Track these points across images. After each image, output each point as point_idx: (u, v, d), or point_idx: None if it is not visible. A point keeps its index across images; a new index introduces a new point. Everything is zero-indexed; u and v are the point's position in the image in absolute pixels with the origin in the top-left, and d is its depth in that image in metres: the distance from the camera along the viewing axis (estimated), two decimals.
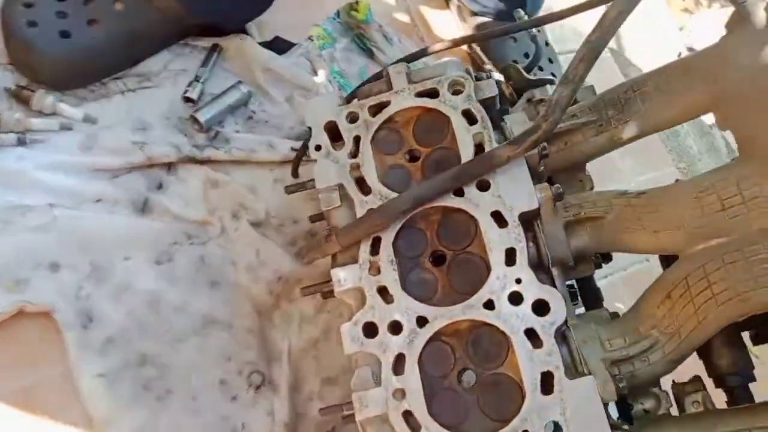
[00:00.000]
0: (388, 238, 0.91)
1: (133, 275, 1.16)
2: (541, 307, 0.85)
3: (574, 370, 0.81)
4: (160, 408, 1.07)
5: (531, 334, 0.83)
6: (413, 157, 0.99)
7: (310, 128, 1.01)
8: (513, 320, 0.84)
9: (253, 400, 1.12)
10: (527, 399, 0.81)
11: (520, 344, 0.83)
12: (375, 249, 0.91)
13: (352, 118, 1.00)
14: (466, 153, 0.94)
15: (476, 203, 0.91)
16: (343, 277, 0.90)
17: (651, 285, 0.91)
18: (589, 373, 0.82)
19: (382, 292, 0.88)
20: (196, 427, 1.06)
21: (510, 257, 0.87)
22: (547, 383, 0.78)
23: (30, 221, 1.12)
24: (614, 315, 0.97)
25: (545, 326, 0.81)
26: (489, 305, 0.85)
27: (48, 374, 1.04)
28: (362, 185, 0.95)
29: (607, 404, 0.82)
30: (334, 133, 1.01)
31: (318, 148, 1.00)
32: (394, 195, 0.93)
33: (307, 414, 1.12)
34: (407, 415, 0.81)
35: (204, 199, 1.27)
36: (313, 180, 1.01)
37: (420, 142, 1.00)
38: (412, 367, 0.83)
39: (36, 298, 1.06)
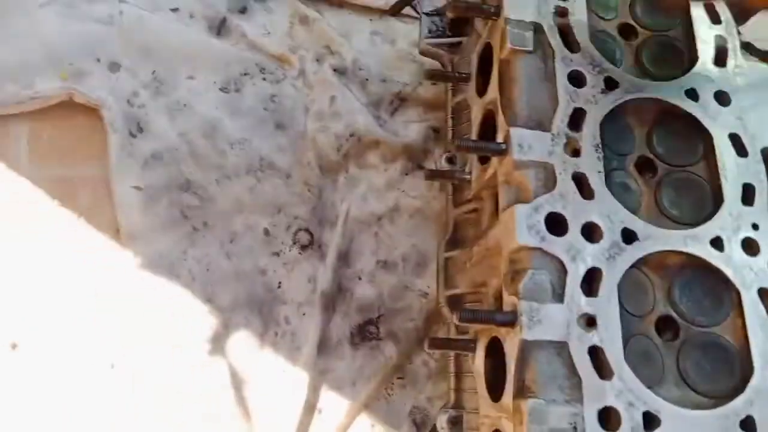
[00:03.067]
0: (596, 114, 0.76)
1: (195, 96, 1.12)
2: None
3: None
4: (193, 239, 1.02)
5: (765, 297, 0.71)
6: (627, 32, 0.86)
7: None
8: (745, 272, 0.71)
9: (295, 260, 1.05)
10: (755, 376, 0.68)
11: (752, 305, 0.70)
12: (576, 122, 0.76)
13: None
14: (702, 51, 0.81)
15: (713, 116, 0.78)
16: (528, 143, 0.73)
17: None
18: None
19: (580, 181, 0.73)
20: (227, 271, 1.01)
21: (748, 195, 0.75)
22: None
23: (96, 11, 1.11)
24: None
25: None
26: (717, 244, 0.72)
27: (86, 173, 1.03)
28: (568, 37, 0.80)
29: None
30: None
31: None
32: (604, 61, 0.79)
33: (352, 292, 1.04)
34: (595, 353, 0.66)
35: (288, 34, 1.20)
36: None
37: (640, 21, 0.86)
38: (610, 291, 0.68)
39: (87, 91, 1.05)
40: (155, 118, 1.09)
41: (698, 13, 0.83)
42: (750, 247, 0.72)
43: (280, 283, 1.04)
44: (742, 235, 0.72)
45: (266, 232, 1.06)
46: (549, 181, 0.73)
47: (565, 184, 0.72)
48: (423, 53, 1.13)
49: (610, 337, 0.67)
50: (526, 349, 0.67)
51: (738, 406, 0.66)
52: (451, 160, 1.04)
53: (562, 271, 0.69)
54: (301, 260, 1.05)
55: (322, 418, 0.97)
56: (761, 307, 0.69)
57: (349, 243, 1.07)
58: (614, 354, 0.66)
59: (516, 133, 0.74)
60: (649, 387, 0.67)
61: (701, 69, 0.80)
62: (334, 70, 1.17)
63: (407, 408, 1.00)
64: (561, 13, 0.80)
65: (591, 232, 0.71)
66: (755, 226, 0.73)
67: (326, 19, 1.22)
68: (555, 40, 0.78)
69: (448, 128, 1.08)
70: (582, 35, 0.78)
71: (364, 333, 1.02)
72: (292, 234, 1.06)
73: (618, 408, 0.65)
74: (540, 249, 0.70)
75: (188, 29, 1.16)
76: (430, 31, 1.08)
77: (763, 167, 0.75)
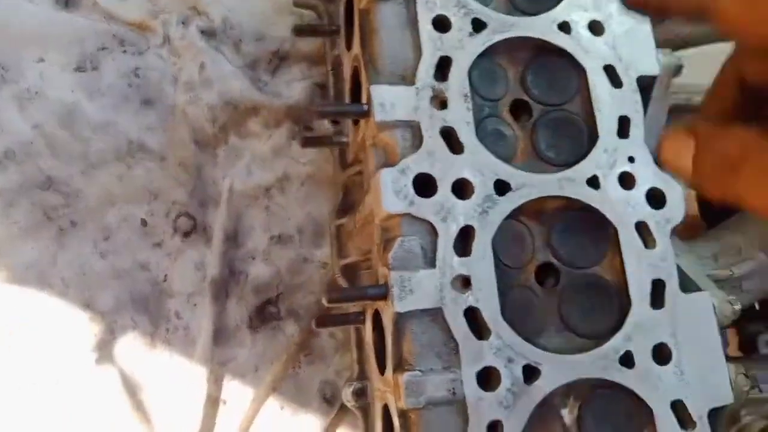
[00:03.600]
0: (464, 61, 0.71)
1: (47, 81, 1.02)
2: (656, 198, 0.70)
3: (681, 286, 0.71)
4: (61, 242, 0.95)
5: (642, 230, 0.70)
6: None
7: None
8: (622, 208, 0.69)
9: (178, 249, 0.99)
10: (633, 312, 0.67)
11: (629, 241, 0.69)
12: (441, 71, 0.70)
13: None
14: None
15: (586, 48, 0.73)
16: (390, 101, 0.68)
17: None
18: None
19: (448, 135, 0.68)
20: (104, 271, 0.95)
21: (623, 127, 0.72)
22: (658, 294, 0.69)
23: None
24: None
25: (660, 222, 0.70)
26: (593, 183, 0.70)
27: None
28: None
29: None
30: None
31: None
32: (471, 1, 0.74)
33: (246, 274, 0.99)
34: (471, 314, 0.64)
35: None
36: None
37: None
38: (484, 248, 0.65)
39: None
40: (2, 111, 0.99)
41: None
42: (626, 181, 0.71)
43: (165, 275, 0.98)
44: (618, 170, 0.70)
45: (143, 222, 0.99)
46: (417, 140, 0.69)
47: (433, 140, 0.68)
48: (296, 4, 1.06)
49: (485, 295, 0.65)
50: (400, 321, 0.65)
51: (617, 343, 0.66)
52: (336, 122, 0.99)
53: (434, 234, 0.66)
54: (184, 248, 0.99)
55: (227, 409, 0.94)
56: (638, 241, 0.69)
57: (237, 221, 1.01)
58: (491, 312, 0.65)
59: (376, 91, 0.69)
60: (530, 339, 0.66)
61: None
62: (202, 32, 1.08)
63: (316, 384, 0.97)
64: None
65: (462, 189, 0.68)
66: (631, 159, 0.71)
67: None
68: None
69: (329, 86, 1.02)
70: None
71: (264, 315, 0.99)
72: (172, 221, 1.00)
73: (497, 366, 0.64)
74: (409, 214, 0.65)
75: (31, 5, 1.05)
76: None
77: (638, 97, 0.73)
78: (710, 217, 1.08)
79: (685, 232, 1.13)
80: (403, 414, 0.64)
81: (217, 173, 1.03)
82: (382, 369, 0.71)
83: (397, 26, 0.74)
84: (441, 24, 0.73)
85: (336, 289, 0.64)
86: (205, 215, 1.01)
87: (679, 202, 0.71)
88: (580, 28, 0.75)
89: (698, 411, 0.66)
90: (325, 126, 1.03)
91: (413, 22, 0.73)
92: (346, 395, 0.84)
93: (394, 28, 0.74)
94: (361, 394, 0.82)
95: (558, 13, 0.75)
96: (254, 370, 0.96)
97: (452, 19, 0.73)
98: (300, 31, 0.97)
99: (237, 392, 0.95)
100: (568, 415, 0.67)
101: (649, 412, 0.66)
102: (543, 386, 0.64)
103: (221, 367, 0.95)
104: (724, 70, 0.61)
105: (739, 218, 0.85)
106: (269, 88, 1.08)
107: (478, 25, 0.74)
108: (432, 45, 0.71)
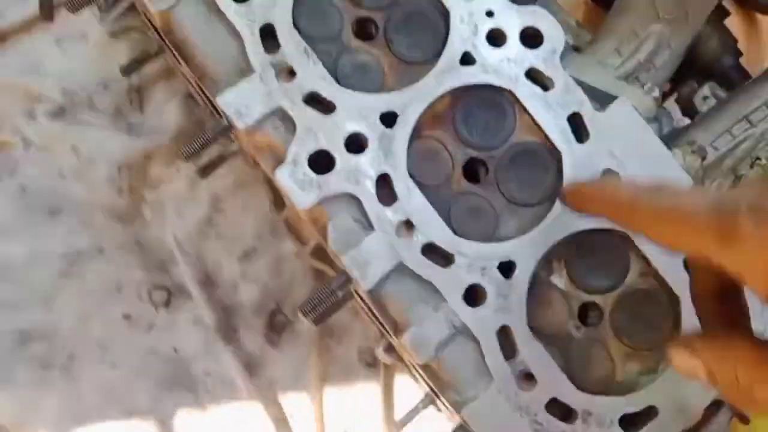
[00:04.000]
0: (283, 16, 0.66)
1: None
2: (532, 38, 0.68)
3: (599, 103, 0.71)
4: (71, 378, 0.99)
5: (535, 75, 0.68)
6: None
7: None
8: (505, 67, 0.67)
9: (170, 319, 1.02)
10: (565, 156, 0.68)
11: (527, 93, 0.68)
12: (270, 42, 0.66)
13: None
14: None
15: None
16: (242, 103, 0.64)
17: None
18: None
19: (313, 100, 0.66)
20: (123, 378, 0.99)
21: None
22: (579, 127, 0.68)
23: None
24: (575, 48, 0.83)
25: (547, 58, 0.68)
26: (467, 60, 0.68)
27: None
28: None
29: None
30: None
31: None
32: None
33: (239, 302, 1.02)
34: (428, 250, 0.65)
35: None
36: None
37: None
38: (404, 184, 0.65)
39: None
40: None
41: None
42: (496, 38, 0.68)
43: (174, 348, 1.01)
44: (483, 32, 0.67)
45: (126, 316, 1.01)
46: (290, 123, 0.67)
47: (303, 114, 0.66)
48: (113, 35, 0.99)
49: (432, 226, 0.66)
50: (375, 294, 0.66)
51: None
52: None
53: (357, 200, 0.66)
54: (174, 316, 1.01)
55: (298, 421, 1.01)
56: (536, 89, 0.67)
57: (201, 264, 1.02)
58: (444, 237, 0.66)
59: (224, 101, 0.66)
60: (492, 237, 0.68)
61: None
62: (53, 116, 1.03)
63: (354, 356, 1.02)
64: None
65: (355, 143, 0.66)
66: (489, 13, 0.68)
67: (7, 65, 1.05)
68: None
69: (194, 94, 0.98)
70: None
71: (276, 326, 1.02)
72: (148, 300, 1.01)
73: (475, 281, 0.66)
74: (324, 198, 0.65)
75: None
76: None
77: None
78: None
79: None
80: (424, 368, 0.67)
81: (155, 234, 1.02)
82: (387, 335, 0.74)
83: (203, 23, 0.69)
84: None
85: (308, 302, 0.65)
86: (171, 278, 1.02)
87: (554, 28, 0.69)
88: None
89: None
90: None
91: (216, 10, 0.68)
92: (380, 355, 0.88)
93: (200, 27, 0.69)
94: (390, 349, 0.86)
95: None
96: (297, 377, 1.01)
97: None
98: (128, 70, 0.91)
99: (296, 403, 1.01)
100: (559, 279, 0.69)
101: (624, 235, 0.68)
102: (524, 272, 0.66)
103: (270, 391, 1.00)
104: (696, 285, 0.56)
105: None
106: (146, 124, 1.04)
107: None
108: (244, 21, 0.67)
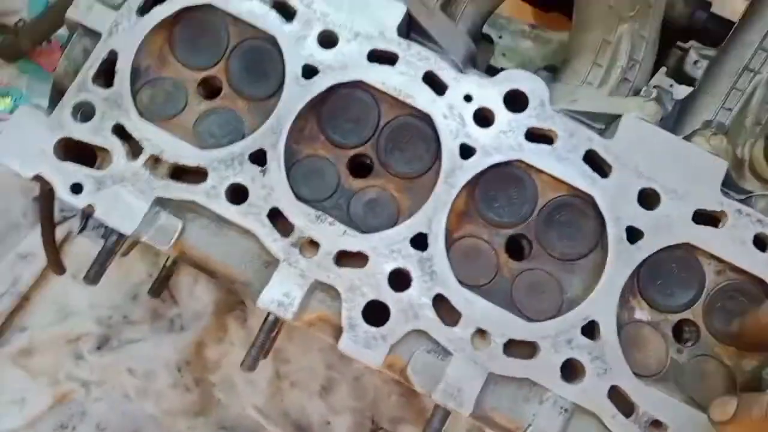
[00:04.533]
0: (283, 195, 0.67)
1: None
2: (516, 100, 0.69)
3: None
4: None
5: (535, 134, 0.68)
6: None
7: None
8: (504, 141, 0.68)
9: None
10: (597, 198, 0.67)
11: (535, 154, 0.68)
12: (281, 224, 0.68)
13: None
14: None
15: None
16: (281, 295, 0.65)
17: None
18: None
19: (343, 259, 0.67)
20: None
21: None
22: (597, 163, 0.70)
23: None
24: (551, 68, 0.87)
25: (539, 113, 0.69)
26: (466, 151, 0.68)
27: None
28: None
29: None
30: None
31: None
32: None
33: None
34: (510, 348, 0.65)
35: None
36: None
37: None
38: (460, 296, 0.65)
39: None
40: None
41: None
42: (484, 118, 0.69)
43: None
44: (469, 118, 0.68)
45: None
46: (333, 291, 0.66)
47: (340, 277, 0.66)
48: None
49: (503, 324, 0.67)
50: (479, 414, 0.66)
51: None
52: None
53: (423, 332, 0.66)
54: None
55: None
56: (541, 146, 0.69)
57: (288, 419, 1.02)
58: (520, 330, 0.66)
59: (263, 303, 0.65)
60: (561, 308, 0.68)
61: None
62: None
63: None
64: None
65: (399, 280, 0.66)
66: (468, 98, 0.70)
67: None
68: None
69: None
70: None
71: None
72: None
73: (567, 356, 0.66)
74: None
75: None
76: None
77: None
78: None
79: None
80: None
81: (236, 412, 1.02)
82: None
83: (213, 236, 0.69)
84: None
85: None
86: None
87: (532, 81, 0.69)
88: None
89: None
90: None
91: (219, 219, 0.68)
92: None
93: (212, 241, 0.69)
94: None
95: None
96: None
97: None
98: (157, 291, 0.91)
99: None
100: (642, 312, 0.68)
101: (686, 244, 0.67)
102: (608, 325, 0.66)
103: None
104: None
105: (577, 16, 0.81)
106: (185, 313, 1.05)
107: None
108: (249, 217, 0.66)
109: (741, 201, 0.73)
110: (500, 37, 1.14)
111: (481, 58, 0.88)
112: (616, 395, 0.66)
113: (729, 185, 0.74)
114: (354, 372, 0.99)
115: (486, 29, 1.08)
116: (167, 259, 0.89)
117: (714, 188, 0.69)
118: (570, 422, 0.65)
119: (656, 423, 0.66)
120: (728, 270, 0.70)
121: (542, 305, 0.68)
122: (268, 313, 0.65)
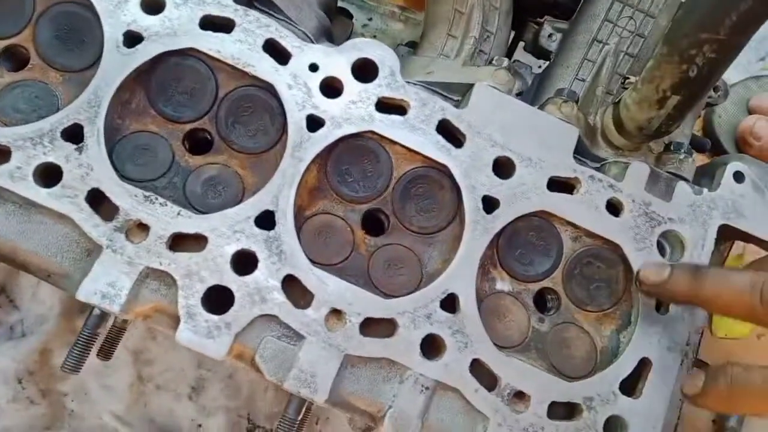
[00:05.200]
0: (104, 173, 0.60)
1: None
2: (365, 70, 0.65)
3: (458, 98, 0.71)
4: None
5: (386, 105, 0.65)
6: None
7: None
8: (354, 112, 0.64)
9: None
10: (453, 168, 0.65)
11: (387, 125, 0.64)
12: (104, 207, 0.60)
13: None
14: None
15: None
16: (105, 285, 0.58)
17: None
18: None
19: (178, 242, 0.61)
20: None
21: None
22: (451, 133, 0.68)
23: None
24: (411, 44, 0.86)
25: (390, 83, 0.66)
26: (314, 123, 0.64)
27: None
28: None
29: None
30: None
31: None
32: None
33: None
34: (366, 326, 0.62)
35: None
36: None
37: None
38: (312, 275, 0.61)
39: None
40: None
41: None
42: (332, 88, 0.65)
43: None
44: (316, 88, 0.65)
45: None
46: (168, 277, 0.61)
47: (175, 262, 0.60)
48: None
49: (359, 303, 0.63)
50: (336, 400, 0.63)
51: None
52: None
53: (273, 317, 0.61)
54: None
55: None
56: (393, 117, 0.66)
57: (154, 425, 0.94)
58: (377, 307, 0.63)
59: (84, 295, 0.58)
60: (421, 282, 0.66)
61: None
62: None
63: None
64: None
65: (244, 262, 0.61)
66: (314, 68, 0.66)
67: None
68: None
69: None
70: None
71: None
72: None
73: (426, 332, 0.63)
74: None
75: None
76: None
77: None
78: None
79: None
80: None
81: (92, 422, 0.93)
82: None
83: (22, 224, 0.60)
84: None
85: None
86: None
87: (382, 50, 0.67)
88: None
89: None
90: None
91: (28, 203, 0.60)
92: None
93: (20, 229, 0.60)
94: None
95: None
96: None
97: None
98: None
99: None
100: (503, 282, 0.67)
101: (542, 213, 0.66)
102: (467, 297, 0.64)
103: None
104: None
105: None
106: (27, 319, 0.94)
107: None
108: (64, 200, 0.59)
109: (596, 169, 0.73)
110: (370, 20, 1.11)
111: (340, 32, 0.85)
112: (478, 369, 0.64)
113: (583, 153, 0.75)
114: (226, 370, 0.93)
115: (354, 12, 1.05)
116: None
117: (567, 155, 0.69)
118: (432, 400, 0.63)
119: (519, 394, 0.65)
120: (584, 236, 0.70)
121: (400, 280, 0.66)
122: (92, 308, 0.58)
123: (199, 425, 0.91)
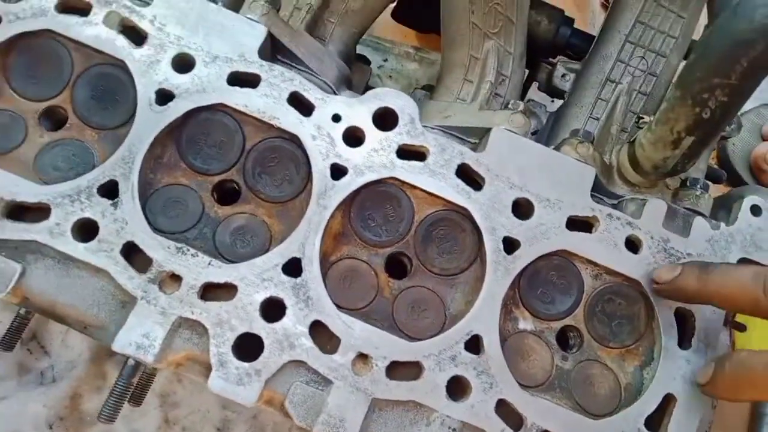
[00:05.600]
0: (138, 227, 0.62)
1: None
2: (385, 119, 0.67)
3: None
4: None
5: (407, 151, 0.68)
6: None
7: None
8: (375, 159, 0.66)
9: None
10: (473, 211, 0.66)
11: (408, 171, 0.66)
12: (138, 259, 0.62)
13: None
14: None
15: None
16: (140, 337, 0.60)
17: None
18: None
19: (210, 292, 0.63)
20: None
21: None
22: (470, 177, 0.70)
23: None
24: (428, 87, 0.87)
25: (409, 130, 0.68)
26: (338, 172, 0.65)
27: None
28: None
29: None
30: None
31: None
32: None
33: None
34: (393, 370, 0.63)
35: None
36: None
37: None
38: (339, 321, 0.63)
39: None
40: None
41: None
42: (353, 138, 0.67)
43: None
44: (339, 138, 0.66)
45: None
46: (200, 326, 0.62)
47: (206, 311, 0.62)
48: None
49: (385, 347, 0.64)
50: None
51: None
52: None
53: (301, 362, 0.62)
54: None
55: None
56: (413, 163, 0.68)
57: None
58: (402, 350, 0.65)
59: (120, 346, 0.60)
60: (444, 324, 0.67)
61: None
62: None
63: None
64: None
65: (272, 309, 0.63)
66: (336, 118, 0.68)
67: None
68: None
69: None
70: None
71: None
72: None
73: (452, 374, 0.64)
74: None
75: None
76: None
77: None
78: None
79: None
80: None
81: None
82: None
83: (60, 278, 0.63)
84: None
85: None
86: None
87: (401, 99, 0.69)
88: None
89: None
90: None
91: (66, 258, 0.62)
92: None
93: (58, 283, 0.63)
94: None
95: None
96: None
97: None
98: (8, 344, 0.81)
99: None
100: (525, 322, 0.68)
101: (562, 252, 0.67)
102: (491, 338, 0.65)
103: None
104: None
105: (444, 34, 0.82)
106: (57, 365, 0.96)
107: None
108: (100, 254, 0.61)
109: (613, 206, 0.75)
110: (386, 60, 1.15)
111: (358, 79, 0.87)
112: (504, 409, 0.65)
113: (600, 191, 0.76)
114: (251, 411, 0.94)
115: (370, 54, 1.08)
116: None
117: (584, 195, 0.70)
118: None
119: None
120: (604, 273, 0.71)
121: (425, 323, 0.67)
122: (127, 358, 0.59)
123: None
